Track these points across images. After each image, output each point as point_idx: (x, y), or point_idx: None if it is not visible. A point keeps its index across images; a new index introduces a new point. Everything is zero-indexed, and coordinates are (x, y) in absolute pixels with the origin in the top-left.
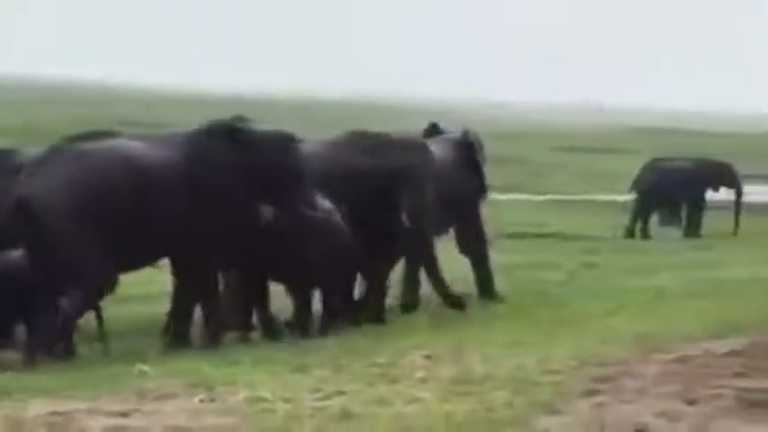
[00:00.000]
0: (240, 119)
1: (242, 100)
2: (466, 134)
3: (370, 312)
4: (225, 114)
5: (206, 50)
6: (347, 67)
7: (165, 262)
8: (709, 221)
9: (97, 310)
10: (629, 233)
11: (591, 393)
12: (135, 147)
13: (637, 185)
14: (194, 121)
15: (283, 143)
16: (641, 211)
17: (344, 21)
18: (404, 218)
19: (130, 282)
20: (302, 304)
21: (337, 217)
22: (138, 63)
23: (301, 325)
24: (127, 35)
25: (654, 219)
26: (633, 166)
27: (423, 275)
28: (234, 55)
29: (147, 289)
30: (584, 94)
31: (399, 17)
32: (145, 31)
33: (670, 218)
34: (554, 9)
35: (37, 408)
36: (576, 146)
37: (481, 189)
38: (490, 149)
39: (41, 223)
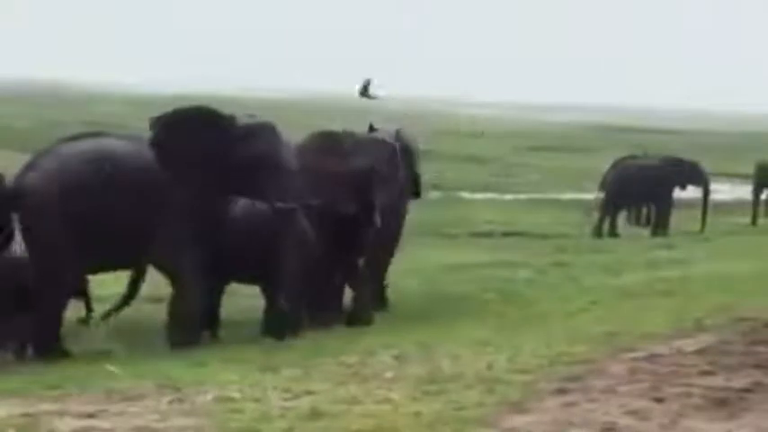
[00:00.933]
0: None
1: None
2: (397, 134)
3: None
4: None
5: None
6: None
7: None
8: (675, 220)
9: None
10: (597, 232)
11: (560, 392)
12: None
13: (604, 184)
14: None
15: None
16: (609, 210)
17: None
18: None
19: (100, 283)
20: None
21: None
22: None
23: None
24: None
25: (622, 217)
26: (599, 165)
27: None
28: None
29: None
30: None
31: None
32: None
33: (638, 217)
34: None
35: (6, 409)
36: (542, 145)
37: (412, 190)
38: (456, 149)
39: None
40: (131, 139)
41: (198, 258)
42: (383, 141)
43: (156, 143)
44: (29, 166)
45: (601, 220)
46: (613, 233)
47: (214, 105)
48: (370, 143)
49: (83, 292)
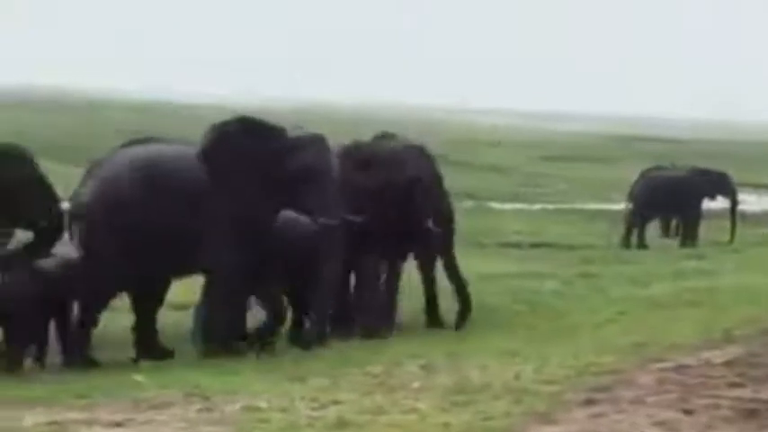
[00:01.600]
0: None
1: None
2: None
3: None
4: None
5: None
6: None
7: None
8: (703, 230)
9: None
10: (626, 243)
11: (588, 403)
12: None
13: (633, 195)
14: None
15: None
16: (637, 221)
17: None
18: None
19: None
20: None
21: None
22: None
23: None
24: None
25: (652, 228)
26: (621, 175)
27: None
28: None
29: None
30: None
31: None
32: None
33: (667, 228)
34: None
35: (34, 417)
36: (558, 155)
37: None
38: (472, 158)
39: None
40: (182, 146)
41: (242, 268)
42: (421, 149)
43: (203, 153)
44: (83, 181)
45: (629, 231)
46: (642, 244)
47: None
48: (408, 152)
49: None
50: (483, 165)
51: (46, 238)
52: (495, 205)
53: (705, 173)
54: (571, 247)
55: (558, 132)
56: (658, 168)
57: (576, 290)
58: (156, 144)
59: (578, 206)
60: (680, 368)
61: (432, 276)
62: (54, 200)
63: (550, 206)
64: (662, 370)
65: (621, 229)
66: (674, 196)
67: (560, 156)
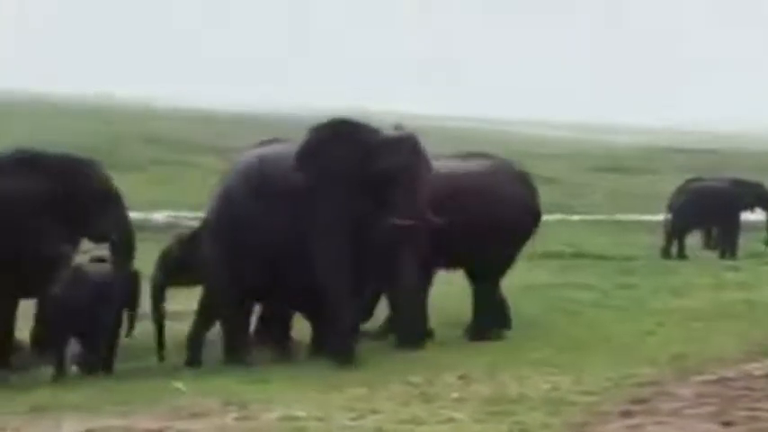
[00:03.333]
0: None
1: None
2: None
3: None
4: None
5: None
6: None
7: None
8: (742, 242)
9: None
10: (665, 254)
11: (626, 415)
12: None
13: (672, 206)
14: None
15: None
16: (676, 232)
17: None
18: None
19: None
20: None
21: None
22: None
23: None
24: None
25: (693, 239)
26: (665, 187)
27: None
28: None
29: (186, 306)
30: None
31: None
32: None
33: (708, 239)
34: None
35: (71, 424)
36: (607, 166)
37: None
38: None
39: None
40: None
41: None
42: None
43: (299, 156)
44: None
45: (668, 242)
46: (682, 255)
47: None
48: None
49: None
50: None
51: (119, 252)
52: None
53: (743, 184)
54: (611, 258)
55: (604, 144)
56: (697, 180)
57: (615, 301)
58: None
59: (619, 217)
60: (719, 381)
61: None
62: (124, 214)
63: (591, 217)
64: (701, 382)
65: (661, 240)
66: (712, 207)
67: (603, 167)
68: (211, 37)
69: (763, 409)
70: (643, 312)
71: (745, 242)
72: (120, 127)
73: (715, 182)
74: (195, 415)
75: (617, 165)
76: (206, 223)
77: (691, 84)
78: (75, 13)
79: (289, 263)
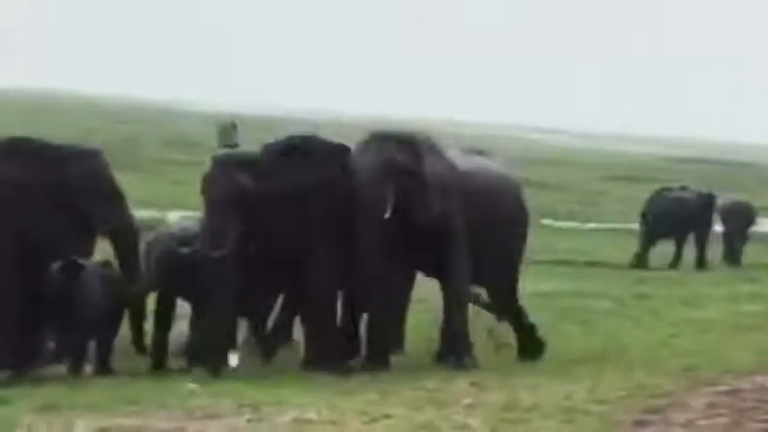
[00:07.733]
0: None
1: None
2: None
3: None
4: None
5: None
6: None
7: None
8: (759, 253)
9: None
10: (675, 263)
11: (639, 424)
12: None
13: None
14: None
15: None
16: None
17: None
18: None
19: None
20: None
21: None
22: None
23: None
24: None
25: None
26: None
27: None
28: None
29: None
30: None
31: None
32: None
33: (732, 252)
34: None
35: (85, 423)
36: (622, 175)
37: None
38: (539, 175)
39: None
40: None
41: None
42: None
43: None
44: None
45: (679, 252)
46: (701, 265)
47: None
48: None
49: None
50: (541, 183)
51: (123, 251)
52: (550, 222)
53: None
54: (625, 267)
55: (620, 153)
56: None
57: (629, 310)
58: None
59: (634, 226)
60: (733, 392)
61: None
62: (124, 205)
63: (606, 225)
64: (714, 393)
65: (675, 251)
66: (734, 220)
67: (618, 176)
68: (238, 40)
69: None
70: (657, 323)
71: (761, 253)
72: (137, 126)
73: (734, 197)
74: (208, 416)
75: (631, 174)
76: None
77: (710, 94)
78: (103, 15)
79: None
